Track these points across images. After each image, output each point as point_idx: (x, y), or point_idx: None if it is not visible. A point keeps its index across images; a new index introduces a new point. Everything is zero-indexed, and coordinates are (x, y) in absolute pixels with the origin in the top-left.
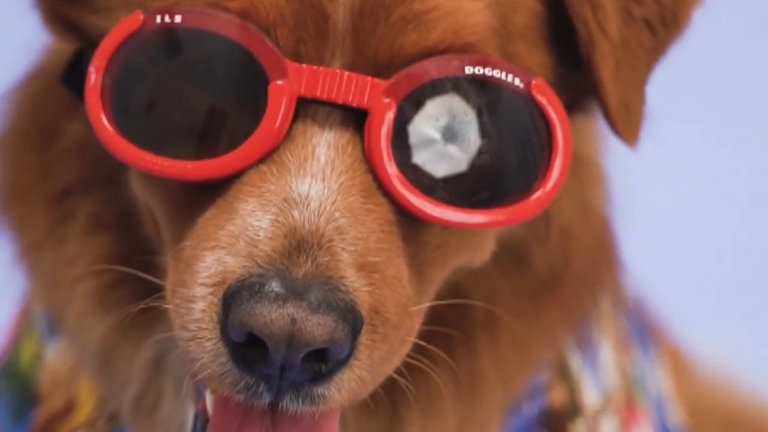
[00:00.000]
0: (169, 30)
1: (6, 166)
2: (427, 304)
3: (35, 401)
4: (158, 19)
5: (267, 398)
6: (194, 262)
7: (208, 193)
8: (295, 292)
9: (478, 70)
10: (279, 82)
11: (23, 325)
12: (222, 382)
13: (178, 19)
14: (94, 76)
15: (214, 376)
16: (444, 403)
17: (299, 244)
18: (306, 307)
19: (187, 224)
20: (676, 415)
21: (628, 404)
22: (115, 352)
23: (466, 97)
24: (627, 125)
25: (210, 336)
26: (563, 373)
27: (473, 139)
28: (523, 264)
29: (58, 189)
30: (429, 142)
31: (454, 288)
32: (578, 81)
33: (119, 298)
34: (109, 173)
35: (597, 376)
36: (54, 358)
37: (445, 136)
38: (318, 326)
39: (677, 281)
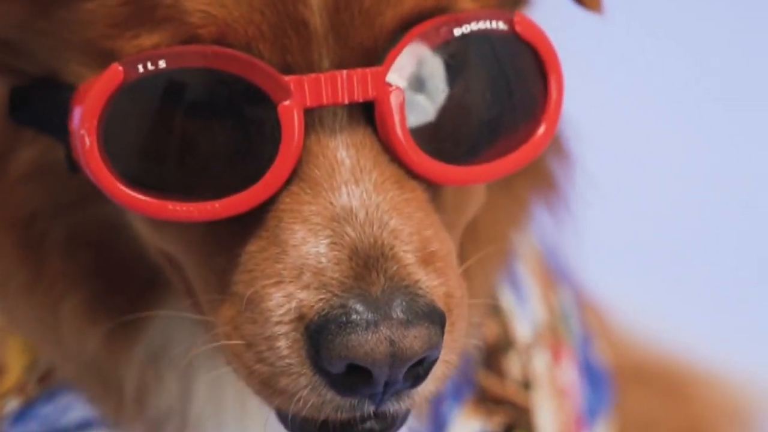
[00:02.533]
0: (155, 77)
1: None
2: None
3: None
4: (140, 68)
5: (369, 410)
6: (259, 299)
7: (239, 225)
8: (381, 312)
9: (466, 29)
10: (286, 102)
11: None
12: (322, 409)
13: (162, 64)
14: (88, 140)
15: (314, 406)
16: None
17: (366, 262)
18: (398, 325)
19: (224, 258)
20: (599, 352)
21: (554, 340)
22: (110, 358)
23: (463, 57)
24: None
25: (303, 371)
26: (494, 308)
27: (480, 94)
28: None
29: (22, 215)
30: (440, 112)
31: None
32: None
33: (109, 307)
34: (80, 196)
35: (526, 311)
36: None
37: (453, 100)
38: (416, 339)
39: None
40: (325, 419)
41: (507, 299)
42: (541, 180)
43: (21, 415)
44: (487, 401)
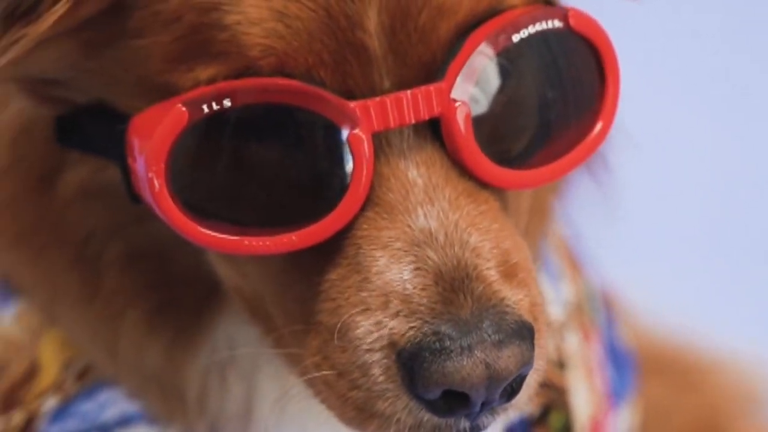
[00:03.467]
0: (223, 116)
1: (3, 217)
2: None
3: None
4: (205, 108)
5: (465, 426)
6: (347, 328)
7: (317, 253)
8: (473, 335)
9: (524, 33)
10: (355, 131)
11: None
12: (420, 429)
13: (227, 103)
14: (157, 183)
15: (412, 427)
16: None
17: (452, 285)
18: (491, 347)
19: (303, 289)
20: (622, 336)
21: (583, 320)
22: (172, 368)
23: (524, 61)
24: None
25: (400, 395)
26: None
27: (543, 96)
28: None
29: (77, 235)
30: (507, 121)
31: None
32: None
33: (169, 318)
34: (137, 216)
35: (558, 291)
36: (9, 324)
37: (519, 107)
38: (510, 359)
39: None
40: None
41: (539, 278)
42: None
43: (59, 413)
44: None
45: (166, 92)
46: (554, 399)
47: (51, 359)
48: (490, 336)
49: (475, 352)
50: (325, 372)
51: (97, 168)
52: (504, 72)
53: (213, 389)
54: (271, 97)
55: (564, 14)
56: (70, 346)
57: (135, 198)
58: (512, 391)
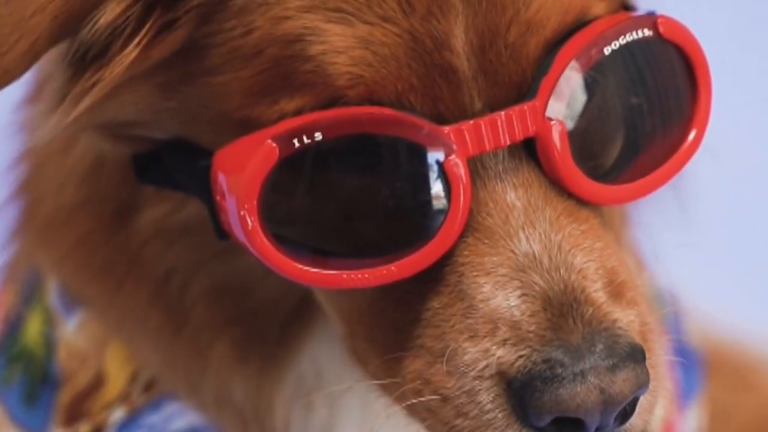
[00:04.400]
0: (314, 149)
1: (80, 253)
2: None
3: (53, 383)
4: (296, 143)
5: None
6: (453, 354)
7: (413, 282)
8: (586, 361)
9: (615, 45)
10: (451, 157)
11: (18, 304)
12: None
13: (318, 136)
14: (250, 221)
15: None
16: None
17: (561, 311)
18: (605, 371)
19: (399, 316)
20: (689, 334)
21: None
22: (260, 396)
23: (616, 74)
24: None
25: (510, 423)
26: None
27: (636, 109)
28: None
29: (158, 272)
30: (603, 137)
31: None
32: None
33: (256, 347)
34: (222, 251)
35: None
36: (73, 335)
37: (611, 122)
38: (625, 383)
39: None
40: None
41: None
42: None
43: (126, 425)
44: None
45: (248, 126)
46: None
47: (117, 370)
48: (603, 360)
49: (589, 377)
50: (429, 397)
51: (175, 205)
52: (595, 86)
53: (298, 417)
54: (362, 127)
55: (653, 22)
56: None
57: (223, 235)
58: (625, 413)
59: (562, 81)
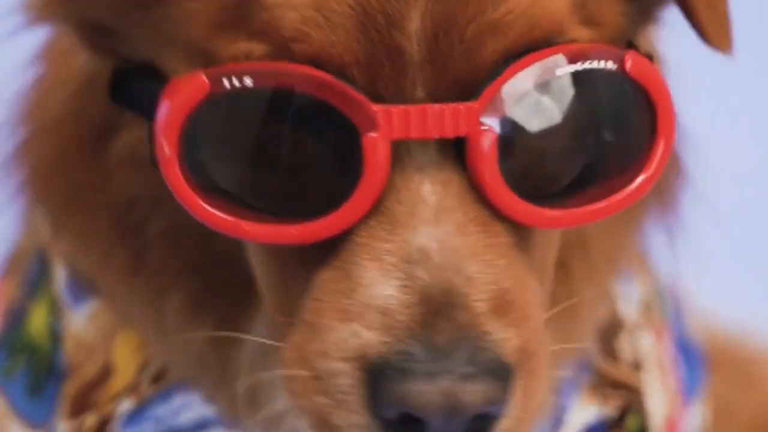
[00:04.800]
0: (241, 93)
1: (50, 176)
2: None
3: (59, 374)
4: (226, 83)
5: None
6: (325, 331)
7: (318, 250)
8: (443, 363)
9: (570, 68)
10: (373, 134)
11: (21, 296)
12: None
13: (248, 81)
14: (167, 149)
15: None
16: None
17: (435, 309)
18: (458, 378)
19: (296, 282)
20: (691, 329)
21: (654, 318)
22: (218, 357)
23: (563, 97)
24: (717, 27)
25: (358, 410)
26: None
27: (580, 135)
28: None
29: (121, 200)
30: (537, 153)
31: None
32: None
33: (213, 305)
34: None
35: (630, 290)
36: (81, 325)
37: (549, 140)
38: (475, 394)
39: None
40: None
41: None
42: (657, 201)
43: (134, 417)
44: (604, 386)
45: (209, 60)
46: (631, 401)
47: (125, 361)
48: (460, 367)
49: (440, 379)
50: (301, 371)
51: (147, 133)
52: (544, 104)
53: (263, 382)
54: (294, 83)
55: (621, 57)
56: (144, 348)
57: (154, 161)
58: (478, 430)
59: (509, 90)
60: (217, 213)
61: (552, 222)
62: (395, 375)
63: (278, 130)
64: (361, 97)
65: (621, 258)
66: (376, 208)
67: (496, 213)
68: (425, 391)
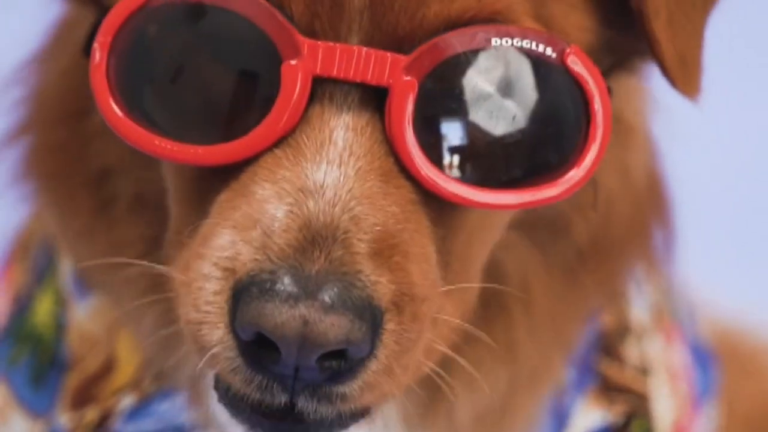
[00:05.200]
0: (175, 5)
1: (38, 146)
2: (465, 285)
3: (61, 366)
4: None
5: (282, 398)
6: (211, 237)
7: (222, 176)
8: (307, 290)
9: (506, 42)
10: (293, 62)
11: (29, 283)
12: (233, 378)
13: None
14: (98, 54)
15: (225, 371)
16: (486, 368)
17: (314, 238)
18: (319, 307)
19: (200, 207)
20: (703, 329)
21: (665, 321)
22: (169, 333)
23: (493, 71)
24: (685, 78)
25: (220, 324)
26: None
27: (504, 114)
28: (560, 235)
29: (97, 170)
30: (455, 120)
31: (488, 262)
32: (623, 41)
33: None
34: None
35: (642, 293)
36: (85, 318)
37: (473, 112)
38: (332, 327)
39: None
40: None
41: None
42: (608, 286)
43: (136, 413)
44: (609, 390)
45: None
46: (636, 407)
47: (128, 356)
48: (323, 298)
49: (299, 305)
50: (180, 278)
51: None
52: (475, 76)
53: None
54: (230, 1)
55: (562, 48)
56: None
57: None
58: (335, 372)
59: (437, 48)
60: (131, 124)
61: (452, 196)
62: (257, 294)
63: (202, 48)
64: (289, 26)
65: (567, 331)
66: (284, 140)
67: (403, 168)
68: (281, 312)
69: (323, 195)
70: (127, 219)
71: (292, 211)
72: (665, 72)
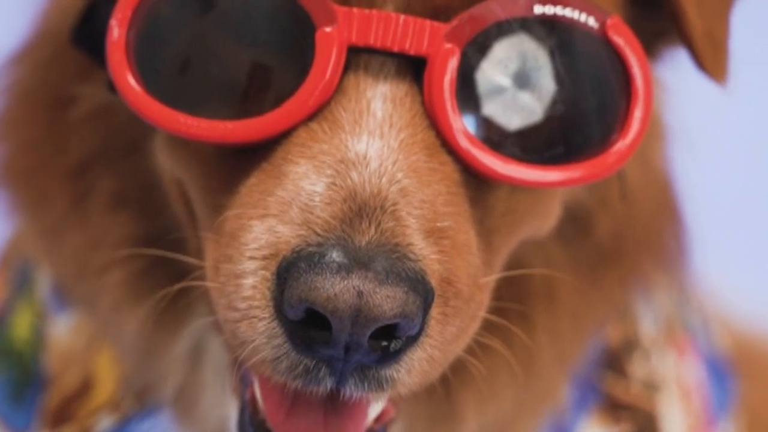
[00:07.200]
0: None
1: (12, 144)
2: (494, 277)
3: (40, 383)
4: None
5: (329, 384)
6: (240, 233)
7: (250, 157)
8: (359, 261)
9: (549, 10)
10: (327, 29)
11: (8, 297)
12: (277, 367)
13: None
14: (117, 30)
15: (268, 360)
16: (499, 382)
17: (360, 209)
18: (373, 278)
19: (226, 194)
20: (718, 338)
21: (676, 334)
22: (153, 343)
23: (537, 40)
24: (713, 58)
25: (263, 315)
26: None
27: (546, 85)
28: (585, 231)
29: (74, 164)
30: (498, 91)
31: (511, 259)
32: (648, 23)
33: (152, 284)
34: (129, 141)
35: (652, 306)
36: (63, 333)
37: (515, 83)
38: (387, 299)
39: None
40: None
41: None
42: (631, 282)
43: None
44: (614, 408)
45: None
46: (644, 425)
47: (107, 374)
48: (376, 269)
49: (352, 276)
50: (213, 284)
51: (102, 85)
52: (516, 44)
53: (194, 385)
54: None
55: (604, 19)
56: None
57: (113, 88)
58: (387, 352)
59: (477, 15)
60: (156, 103)
61: (493, 170)
62: (305, 268)
63: (230, 20)
64: None
65: (587, 329)
66: (320, 113)
67: (445, 144)
68: (334, 285)
69: (367, 166)
70: (105, 216)
71: (334, 183)
72: (693, 50)
